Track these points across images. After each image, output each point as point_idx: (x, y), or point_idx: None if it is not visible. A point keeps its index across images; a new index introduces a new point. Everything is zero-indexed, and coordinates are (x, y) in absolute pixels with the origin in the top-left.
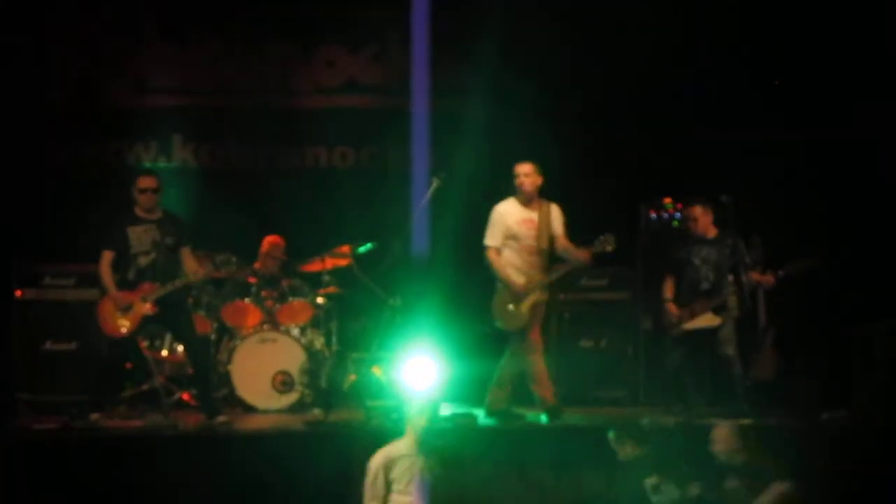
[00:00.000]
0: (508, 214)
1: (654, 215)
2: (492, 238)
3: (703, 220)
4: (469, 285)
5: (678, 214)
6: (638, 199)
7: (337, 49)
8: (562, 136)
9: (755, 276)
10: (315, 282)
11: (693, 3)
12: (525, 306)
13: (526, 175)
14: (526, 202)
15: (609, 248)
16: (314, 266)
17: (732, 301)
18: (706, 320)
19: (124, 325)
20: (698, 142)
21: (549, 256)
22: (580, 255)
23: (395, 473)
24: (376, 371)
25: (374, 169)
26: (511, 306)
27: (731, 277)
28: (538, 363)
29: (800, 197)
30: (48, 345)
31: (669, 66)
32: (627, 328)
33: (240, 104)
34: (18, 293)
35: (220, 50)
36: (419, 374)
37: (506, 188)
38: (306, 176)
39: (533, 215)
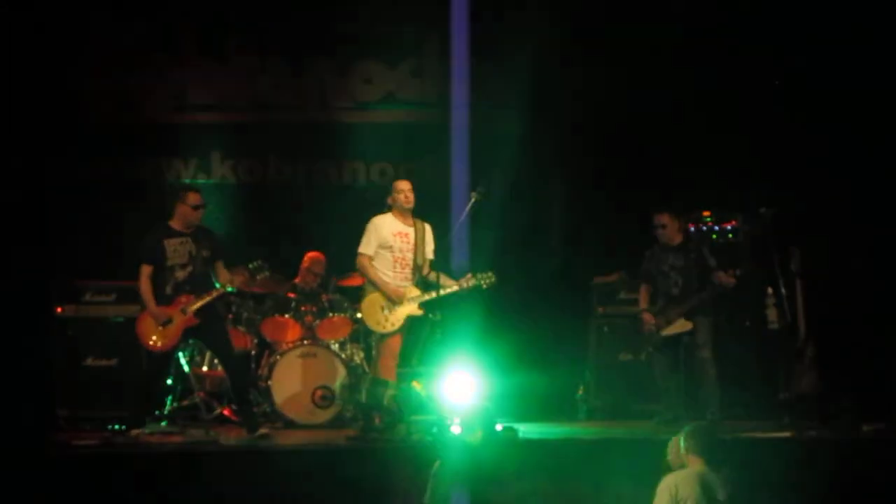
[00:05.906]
0: (384, 226)
1: (692, 228)
2: (366, 246)
3: (671, 227)
4: (508, 299)
5: (717, 228)
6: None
7: (375, 64)
8: (598, 149)
9: (720, 276)
10: (354, 296)
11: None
12: (400, 313)
13: (409, 191)
14: (402, 217)
15: (485, 284)
16: (353, 281)
17: (773, 314)
18: (680, 326)
19: (164, 341)
20: (736, 154)
21: (419, 273)
22: (462, 282)
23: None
24: (416, 385)
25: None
26: (386, 310)
27: (769, 289)
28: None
29: (838, 206)
30: (88, 361)
31: (703, 80)
32: None
33: (278, 120)
34: (59, 310)
35: (258, 66)
36: (459, 388)
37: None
38: (345, 191)
39: (409, 230)
